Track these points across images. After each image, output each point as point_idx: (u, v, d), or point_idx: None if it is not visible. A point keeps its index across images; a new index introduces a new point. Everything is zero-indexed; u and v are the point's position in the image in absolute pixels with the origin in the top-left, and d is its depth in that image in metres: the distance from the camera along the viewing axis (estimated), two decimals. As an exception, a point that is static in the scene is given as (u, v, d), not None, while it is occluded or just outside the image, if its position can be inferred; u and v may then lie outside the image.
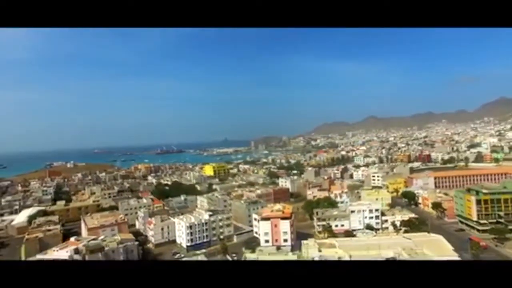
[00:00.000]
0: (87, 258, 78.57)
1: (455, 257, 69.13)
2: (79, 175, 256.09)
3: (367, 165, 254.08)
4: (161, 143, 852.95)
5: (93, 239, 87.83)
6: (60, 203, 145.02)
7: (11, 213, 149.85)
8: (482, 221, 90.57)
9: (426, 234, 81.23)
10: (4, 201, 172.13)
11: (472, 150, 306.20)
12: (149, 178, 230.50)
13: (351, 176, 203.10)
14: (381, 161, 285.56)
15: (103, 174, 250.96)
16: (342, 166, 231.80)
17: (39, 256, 79.81)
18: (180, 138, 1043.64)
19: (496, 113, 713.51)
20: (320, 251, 61.67)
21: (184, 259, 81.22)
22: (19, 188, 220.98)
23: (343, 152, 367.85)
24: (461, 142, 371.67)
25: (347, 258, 55.20)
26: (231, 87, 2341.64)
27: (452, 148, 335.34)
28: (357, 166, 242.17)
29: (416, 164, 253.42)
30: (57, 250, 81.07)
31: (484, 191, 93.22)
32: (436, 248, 70.74)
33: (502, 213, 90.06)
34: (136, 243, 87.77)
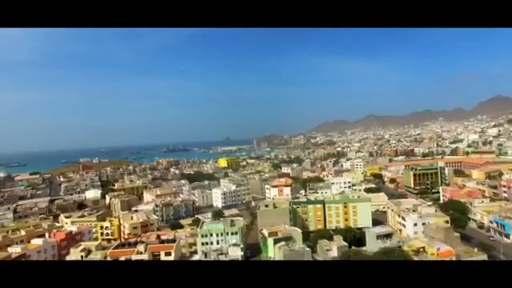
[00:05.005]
0: (163, 211, 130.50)
1: (387, 202, 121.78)
2: (109, 168, 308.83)
3: (357, 158, 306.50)
4: (164, 142, 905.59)
5: (162, 200, 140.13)
6: (119, 184, 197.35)
7: (76, 193, 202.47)
8: (416, 187, 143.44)
9: (376, 194, 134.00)
10: (63, 186, 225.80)
11: (453, 145, 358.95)
12: (171, 170, 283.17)
13: (341, 166, 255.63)
14: (371, 155, 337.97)
15: (130, 167, 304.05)
16: (334, 159, 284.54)
17: (134, 208, 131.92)
18: (183, 138, 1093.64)
19: (491, 111, 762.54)
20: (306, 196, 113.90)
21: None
22: (61, 179, 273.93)
23: (339, 149, 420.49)
24: (446, 139, 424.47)
25: (320, 196, 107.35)
26: (232, 86, 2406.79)
27: (437, 144, 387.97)
28: (349, 159, 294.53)
29: (400, 158, 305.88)
30: (144, 205, 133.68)
31: (419, 168, 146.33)
32: (377, 199, 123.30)
33: (429, 182, 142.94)
34: (191, 202, 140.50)
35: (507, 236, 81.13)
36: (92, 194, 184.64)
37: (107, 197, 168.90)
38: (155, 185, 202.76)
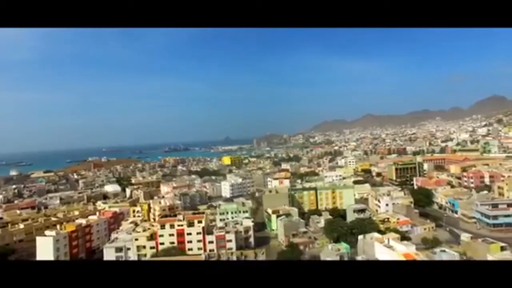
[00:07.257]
0: (181, 199, 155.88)
1: (369, 190, 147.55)
2: (118, 166, 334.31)
3: (351, 156, 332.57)
4: (164, 141, 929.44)
5: (179, 191, 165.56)
6: (136, 179, 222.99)
7: (95, 188, 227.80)
8: (398, 179, 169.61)
9: (362, 185, 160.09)
10: (81, 182, 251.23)
11: (443, 144, 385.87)
12: (179, 167, 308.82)
13: (336, 163, 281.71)
14: (366, 153, 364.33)
15: (139, 165, 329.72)
16: (330, 157, 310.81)
17: (155, 198, 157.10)
18: (183, 137, 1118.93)
19: (486, 110, 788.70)
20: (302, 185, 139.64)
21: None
22: (75, 176, 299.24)
23: (336, 148, 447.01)
24: (438, 138, 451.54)
25: (313, 184, 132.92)
26: (232, 86, 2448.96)
27: (429, 143, 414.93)
28: (344, 157, 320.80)
29: (393, 156, 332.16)
30: (166, 195, 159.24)
31: (400, 163, 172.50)
32: (362, 189, 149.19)
33: (408, 175, 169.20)
34: (204, 192, 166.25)
35: (456, 212, 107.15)
36: (112, 188, 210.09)
37: (127, 190, 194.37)
38: (167, 180, 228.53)
